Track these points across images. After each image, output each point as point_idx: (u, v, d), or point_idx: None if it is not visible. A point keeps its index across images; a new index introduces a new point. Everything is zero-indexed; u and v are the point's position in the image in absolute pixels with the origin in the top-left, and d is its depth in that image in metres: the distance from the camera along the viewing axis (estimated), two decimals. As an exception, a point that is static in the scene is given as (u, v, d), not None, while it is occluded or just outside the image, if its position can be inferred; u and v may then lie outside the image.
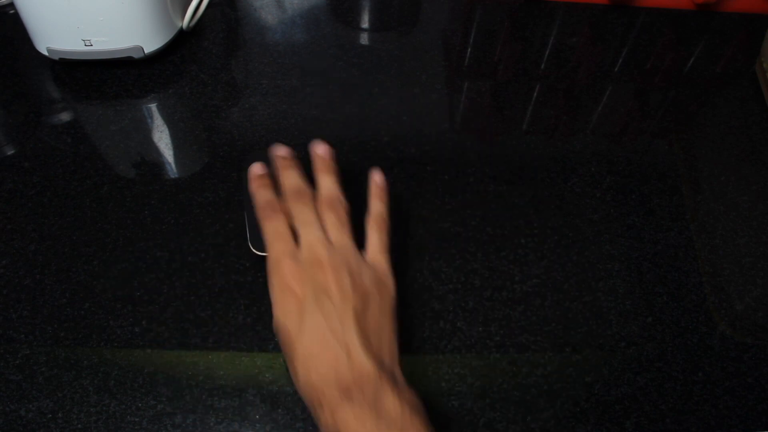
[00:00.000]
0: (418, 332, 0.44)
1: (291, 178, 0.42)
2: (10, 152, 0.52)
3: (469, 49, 0.65)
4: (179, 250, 0.47)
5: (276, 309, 0.37)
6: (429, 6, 0.68)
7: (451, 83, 0.61)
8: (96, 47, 0.55)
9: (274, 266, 0.38)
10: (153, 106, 0.57)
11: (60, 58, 0.56)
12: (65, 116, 0.55)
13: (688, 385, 0.43)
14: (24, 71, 0.58)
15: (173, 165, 0.53)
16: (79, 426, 0.39)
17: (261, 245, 0.42)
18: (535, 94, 0.61)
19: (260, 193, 0.42)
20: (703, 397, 0.43)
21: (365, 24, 0.67)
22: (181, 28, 0.60)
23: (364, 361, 0.34)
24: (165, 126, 0.55)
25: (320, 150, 0.44)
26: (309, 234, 0.39)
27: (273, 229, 0.40)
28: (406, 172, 0.53)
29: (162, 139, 0.54)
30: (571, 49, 0.65)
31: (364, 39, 0.65)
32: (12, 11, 0.63)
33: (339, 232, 0.40)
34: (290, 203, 0.41)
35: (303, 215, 0.40)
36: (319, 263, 0.37)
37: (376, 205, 0.43)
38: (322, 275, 0.37)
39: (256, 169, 0.43)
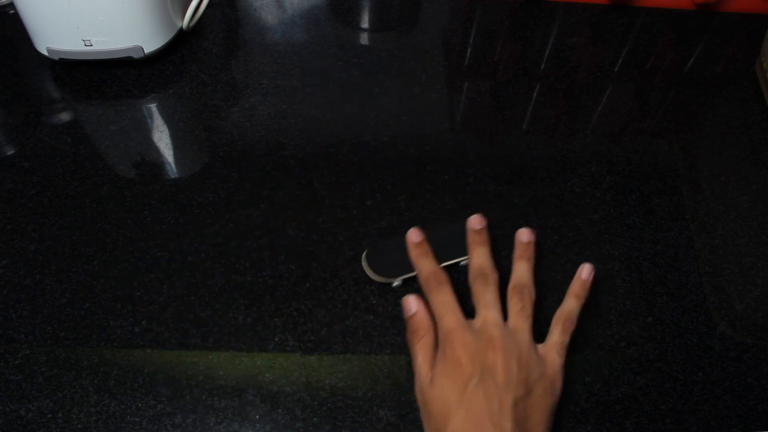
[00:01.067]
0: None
1: (479, 257, 0.43)
2: (10, 152, 0.52)
3: (469, 49, 0.65)
4: (179, 250, 0.47)
5: (442, 376, 0.37)
6: (429, 6, 0.68)
7: (451, 83, 0.61)
8: (96, 47, 0.55)
9: (446, 336, 0.39)
10: (153, 106, 0.57)
11: (60, 58, 0.56)
12: (65, 116, 0.55)
13: (688, 385, 0.43)
14: (24, 71, 0.58)
15: (173, 165, 0.53)
16: (79, 426, 0.39)
17: (382, 269, 0.44)
18: (535, 94, 0.61)
19: (423, 263, 0.43)
20: (703, 397, 0.43)
21: (365, 24, 0.67)
22: (181, 28, 0.60)
23: None
24: (165, 126, 0.55)
25: (525, 236, 0.45)
26: (486, 314, 0.40)
27: (441, 301, 0.40)
28: (406, 172, 0.53)
29: (162, 139, 0.54)
30: (571, 49, 0.65)
31: (364, 39, 0.65)
32: (12, 11, 0.63)
33: (519, 319, 0.40)
34: (474, 283, 0.42)
35: (485, 295, 0.41)
36: (491, 342, 0.38)
37: (571, 303, 0.43)
38: (492, 355, 0.37)
39: (414, 236, 0.44)
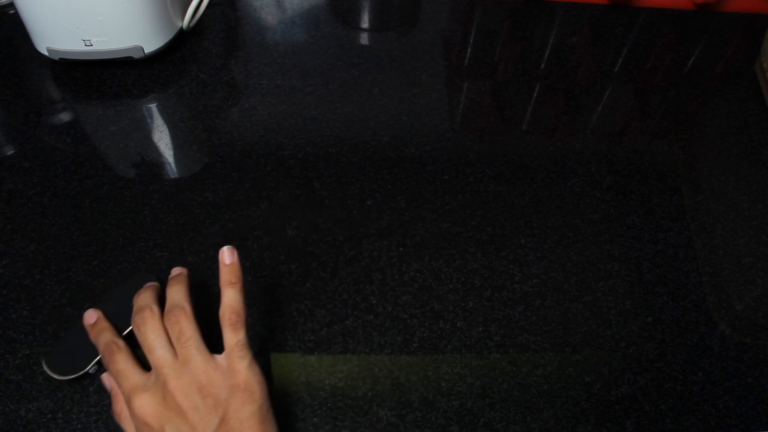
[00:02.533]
0: (418, 332, 0.44)
1: (139, 300, 0.40)
2: (10, 152, 0.52)
3: (469, 49, 0.65)
4: (179, 250, 0.47)
5: None
6: (429, 6, 0.68)
7: (451, 83, 0.61)
8: (96, 47, 0.55)
9: (127, 405, 0.37)
10: (153, 106, 0.57)
11: (60, 58, 0.56)
12: (65, 116, 0.55)
13: (688, 385, 0.43)
14: (24, 71, 0.58)
15: (173, 165, 0.53)
16: (79, 426, 0.39)
17: (69, 366, 0.40)
18: (535, 94, 0.61)
19: (98, 339, 0.40)
20: (703, 397, 0.43)
21: (365, 24, 0.67)
22: (181, 28, 0.60)
23: None
24: (165, 126, 0.55)
25: (174, 272, 0.42)
26: (153, 358, 0.37)
27: (116, 370, 0.38)
28: (406, 172, 0.53)
29: (162, 139, 0.54)
30: (571, 49, 0.65)
31: (364, 39, 0.65)
32: (12, 11, 0.63)
33: (182, 346, 0.37)
34: (134, 327, 0.39)
35: (145, 339, 0.38)
36: (166, 389, 0.36)
37: (229, 295, 0.38)
38: (172, 401, 0.35)
39: (89, 318, 0.41)
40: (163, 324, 0.38)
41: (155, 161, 0.52)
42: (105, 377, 0.40)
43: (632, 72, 0.64)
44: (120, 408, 0.38)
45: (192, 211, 0.49)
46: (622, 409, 0.42)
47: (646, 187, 0.54)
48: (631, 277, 0.48)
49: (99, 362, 0.41)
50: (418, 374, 0.42)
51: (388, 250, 0.48)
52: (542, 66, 0.64)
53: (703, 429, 0.41)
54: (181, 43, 0.61)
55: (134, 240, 0.47)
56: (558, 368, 0.43)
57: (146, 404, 0.36)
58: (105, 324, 0.40)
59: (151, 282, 0.42)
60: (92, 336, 0.40)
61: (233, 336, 0.37)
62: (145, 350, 0.37)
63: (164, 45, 0.58)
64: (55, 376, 0.40)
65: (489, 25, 0.67)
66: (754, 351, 0.45)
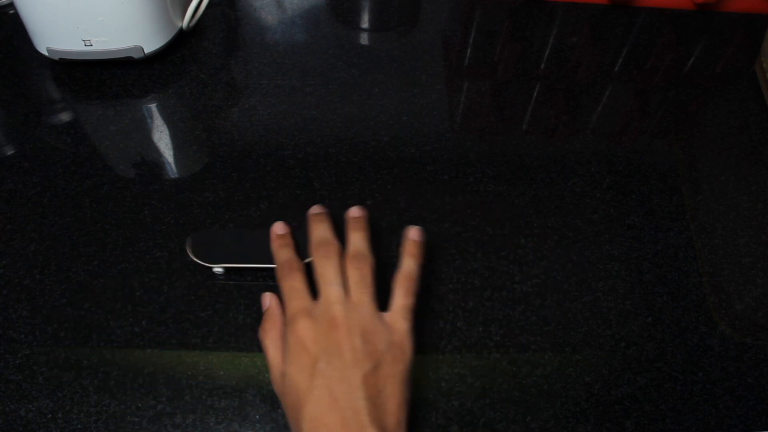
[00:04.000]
0: (418, 332, 0.44)
1: (319, 230, 0.42)
2: (10, 152, 0.52)
3: (469, 49, 0.65)
4: (179, 250, 0.47)
5: (289, 365, 0.37)
6: (429, 6, 0.68)
7: (451, 83, 0.61)
8: (96, 47, 0.55)
9: (290, 322, 0.38)
10: (153, 106, 0.57)
11: (60, 58, 0.56)
12: (65, 116, 0.55)
13: (688, 385, 0.43)
14: (24, 71, 0.58)
15: (173, 165, 0.53)
16: (79, 426, 0.39)
17: (196, 250, 0.44)
18: (535, 94, 0.61)
19: (280, 252, 0.42)
20: (703, 397, 0.43)
21: (365, 24, 0.67)
22: (181, 28, 0.60)
23: (366, 427, 0.34)
24: (165, 126, 0.55)
25: (354, 212, 0.44)
26: (328, 291, 0.39)
27: (290, 286, 0.40)
28: (406, 172, 0.53)
29: (162, 139, 0.54)
30: (571, 49, 0.65)
31: (364, 39, 0.65)
32: (12, 11, 0.63)
33: (360, 291, 0.39)
34: (314, 257, 0.41)
35: (325, 271, 0.40)
36: (333, 323, 0.37)
37: (408, 263, 0.42)
38: (335, 335, 0.37)
39: (278, 228, 0.44)
40: (342, 263, 0.40)
41: (155, 161, 0.52)
42: (267, 294, 0.42)
43: (632, 72, 0.64)
44: (270, 326, 0.40)
45: (192, 211, 0.49)
46: (622, 409, 0.42)
47: (646, 187, 0.54)
48: (631, 277, 0.48)
49: (226, 270, 0.44)
50: (418, 374, 0.42)
51: (387, 250, 0.48)
52: (542, 66, 0.64)
53: (703, 429, 0.41)
54: (181, 43, 0.61)
55: (134, 240, 0.47)
56: (558, 368, 0.43)
57: (310, 328, 0.37)
58: (290, 241, 0.43)
59: (322, 210, 0.44)
60: (275, 246, 0.43)
61: (403, 299, 0.40)
62: (321, 282, 0.39)
63: (164, 45, 0.58)
64: (190, 254, 0.44)
65: (489, 25, 0.67)
66: (754, 351, 0.45)
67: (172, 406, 0.40)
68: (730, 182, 0.55)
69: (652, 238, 0.51)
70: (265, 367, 0.42)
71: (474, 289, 0.47)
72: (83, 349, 0.42)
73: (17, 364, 0.41)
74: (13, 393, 0.40)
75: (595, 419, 0.41)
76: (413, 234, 0.43)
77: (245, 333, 0.43)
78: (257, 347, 0.43)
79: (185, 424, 0.39)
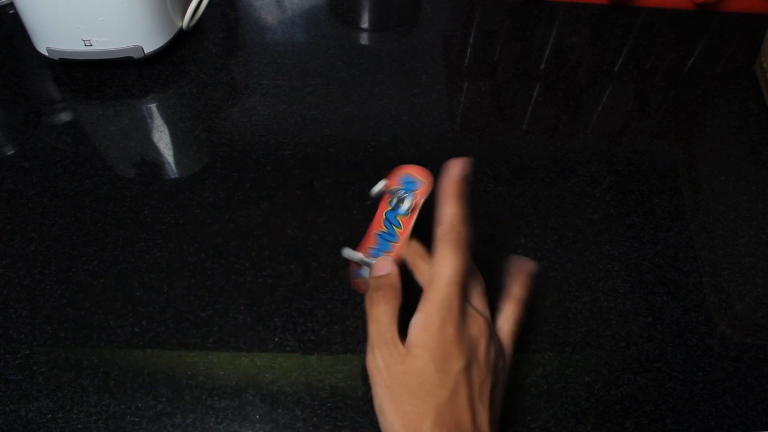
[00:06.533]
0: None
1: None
2: (10, 152, 0.52)
3: (469, 49, 0.65)
4: (179, 250, 0.47)
5: (422, 349, 0.35)
6: (429, 6, 0.68)
7: (451, 83, 0.61)
8: (96, 47, 0.55)
9: (439, 302, 0.36)
10: (153, 106, 0.57)
11: (60, 58, 0.56)
12: (65, 116, 0.55)
13: (688, 385, 0.43)
14: (24, 71, 0.58)
15: (173, 165, 0.53)
16: (79, 426, 0.39)
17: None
18: (535, 94, 0.61)
19: (449, 207, 0.39)
20: (703, 397, 0.43)
21: (365, 24, 0.67)
22: (181, 28, 0.60)
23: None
24: (165, 126, 0.55)
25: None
26: (476, 302, 0.38)
27: (453, 261, 0.37)
28: (406, 172, 0.53)
29: (162, 139, 0.54)
30: (571, 49, 0.65)
31: (364, 39, 0.65)
32: (12, 11, 0.63)
33: (483, 304, 0.39)
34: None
35: (472, 285, 0.39)
36: (478, 324, 0.37)
37: (518, 286, 0.41)
38: (479, 338, 0.36)
39: (457, 168, 0.40)
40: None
41: (155, 161, 0.52)
42: (387, 260, 0.39)
43: (632, 72, 0.64)
44: (393, 296, 0.38)
45: (192, 211, 0.49)
46: (622, 409, 0.42)
47: (646, 187, 0.54)
48: (631, 277, 0.48)
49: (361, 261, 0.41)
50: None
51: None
52: (542, 66, 0.64)
53: (703, 429, 0.41)
54: (181, 43, 0.61)
55: (134, 240, 0.47)
56: (558, 368, 0.43)
57: (460, 322, 0.36)
58: (464, 191, 0.39)
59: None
60: (445, 191, 0.39)
61: (515, 326, 0.40)
62: (471, 292, 0.38)
63: (164, 45, 0.58)
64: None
65: (489, 25, 0.67)
66: (754, 351, 0.45)
67: (172, 406, 0.40)
68: (730, 182, 0.55)
69: (652, 238, 0.51)
70: (265, 367, 0.42)
71: (474, 289, 0.46)
72: (83, 349, 0.42)
73: (17, 364, 0.41)
74: (13, 393, 0.40)
75: (595, 419, 0.41)
76: (528, 266, 0.42)
77: (245, 333, 0.43)
78: (257, 347, 0.43)
79: (185, 424, 0.39)
